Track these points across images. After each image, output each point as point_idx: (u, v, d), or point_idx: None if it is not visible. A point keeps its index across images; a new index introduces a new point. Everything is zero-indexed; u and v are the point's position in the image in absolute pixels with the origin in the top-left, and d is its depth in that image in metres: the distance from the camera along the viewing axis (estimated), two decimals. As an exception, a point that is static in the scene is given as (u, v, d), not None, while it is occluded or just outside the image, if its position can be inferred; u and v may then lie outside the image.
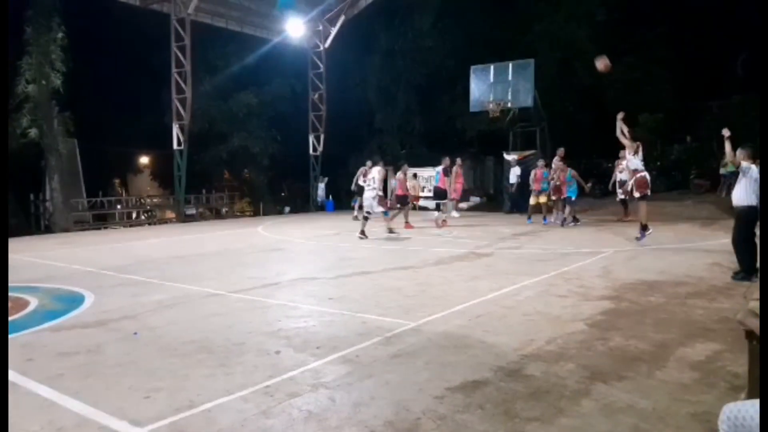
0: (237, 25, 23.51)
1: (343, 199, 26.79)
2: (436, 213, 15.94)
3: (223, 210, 26.19)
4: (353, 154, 27.70)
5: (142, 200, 26.49)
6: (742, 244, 7.00)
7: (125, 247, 13.13)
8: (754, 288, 4.26)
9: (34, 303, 6.81)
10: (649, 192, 10.61)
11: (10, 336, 5.30)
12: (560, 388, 3.76)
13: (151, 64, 22.86)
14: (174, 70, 20.02)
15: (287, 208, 26.51)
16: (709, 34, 24.99)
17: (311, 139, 25.79)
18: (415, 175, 18.71)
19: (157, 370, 4.32)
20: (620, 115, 10.61)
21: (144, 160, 35.19)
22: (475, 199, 22.14)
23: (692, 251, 9.67)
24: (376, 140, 27.43)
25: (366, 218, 12.94)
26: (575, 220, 14.55)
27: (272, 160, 27.15)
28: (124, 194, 29.82)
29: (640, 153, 10.68)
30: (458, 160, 17.75)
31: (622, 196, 14.39)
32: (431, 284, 7.42)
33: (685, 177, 25.07)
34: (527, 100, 18.63)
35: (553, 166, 15.04)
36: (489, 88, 19.33)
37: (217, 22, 22.73)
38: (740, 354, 3.76)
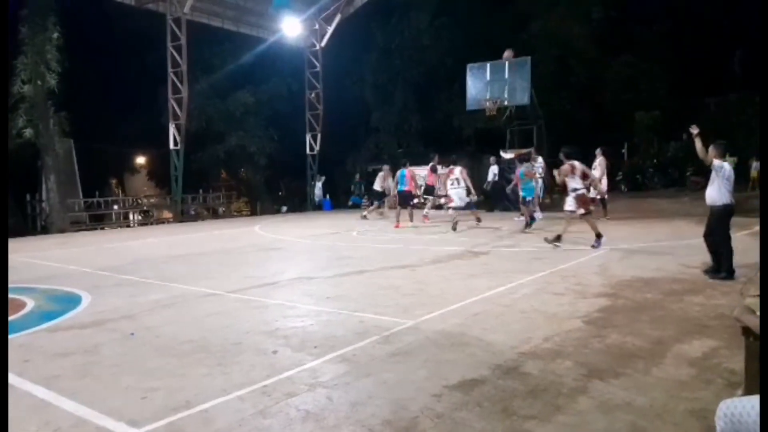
0: (233, 25, 23.49)
1: (341, 197, 26.82)
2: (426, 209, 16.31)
3: (221, 209, 26.17)
4: (350, 153, 27.73)
5: (138, 200, 26.47)
6: (722, 243, 6.98)
7: (122, 247, 13.11)
8: (750, 284, 4.27)
9: (30, 304, 6.79)
10: (592, 208, 10.51)
11: (6, 337, 5.30)
12: (557, 385, 3.76)
13: (147, 63, 22.83)
14: (170, 69, 19.99)
15: (284, 208, 26.51)
16: (706, 32, 25.06)
17: (308, 138, 25.77)
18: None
19: (154, 370, 4.32)
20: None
21: (140, 160, 35.14)
22: (471, 197, 22.13)
23: (688, 248, 9.67)
24: (373, 139, 27.45)
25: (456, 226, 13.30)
26: (528, 225, 13.21)
27: (269, 159, 27.15)
28: (120, 194, 29.81)
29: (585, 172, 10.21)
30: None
31: (598, 196, 14.42)
32: (429, 283, 7.42)
33: (682, 174, 25.14)
34: (524, 98, 18.63)
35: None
36: (485, 86, 19.32)
37: (213, 22, 22.71)
38: (737, 350, 3.76)
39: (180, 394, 3.79)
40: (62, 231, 17.78)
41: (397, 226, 14.69)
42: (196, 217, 22.99)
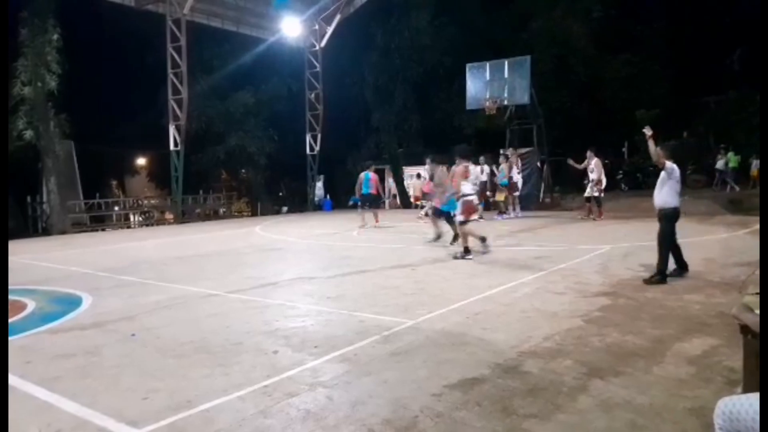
0: (233, 25, 23.51)
1: (341, 198, 26.84)
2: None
3: (221, 210, 26.18)
4: (350, 153, 27.72)
5: (139, 201, 26.49)
6: (663, 245, 6.90)
7: (122, 249, 13.12)
8: (749, 282, 4.28)
9: (31, 305, 6.80)
10: (474, 217, 9.84)
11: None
12: (557, 384, 3.76)
13: (147, 64, 22.84)
14: (170, 70, 20.00)
15: (285, 208, 26.52)
16: (705, 30, 25.03)
17: (308, 138, 25.78)
18: (418, 175, 18.77)
19: (155, 371, 4.33)
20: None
21: (141, 161, 35.19)
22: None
23: (688, 247, 9.63)
24: (373, 139, 27.44)
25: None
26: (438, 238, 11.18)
27: (269, 159, 27.17)
28: (121, 195, 29.84)
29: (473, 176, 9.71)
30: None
31: (595, 194, 14.51)
32: (429, 282, 7.42)
33: (682, 173, 25.10)
34: (524, 97, 18.63)
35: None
36: (485, 85, 19.33)
37: (212, 22, 22.73)
38: (737, 348, 3.76)
39: (181, 395, 3.80)
40: (63, 232, 17.80)
41: (361, 230, 14.69)
42: (197, 218, 23.00)
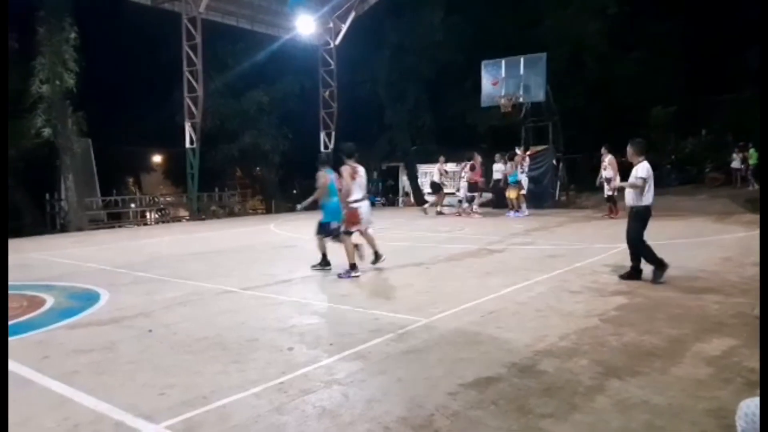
0: (248, 23, 23.56)
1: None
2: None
3: (236, 207, 26.31)
4: (364, 151, 27.66)
5: (155, 199, 26.70)
6: (639, 244, 6.93)
7: (139, 245, 13.23)
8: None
9: (50, 301, 6.88)
10: (358, 227, 8.17)
11: (26, 334, 5.39)
12: (574, 384, 3.74)
13: (163, 62, 22.97)
14: (185, 68, 20.10)
15: (299, 206, 26.56)
16: (721, 27, 24.71)
17: (322, 136, 25.78)
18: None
19: (171, 367, 4.36)
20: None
21: (157, 158, 35.47)
22: (486, 195, 22.06)
23: (706, 246, 9.58)
24: (386, 136, 27.41)
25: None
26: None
27: (283, 157, 27.23)
28: (137, 193, 30.10)
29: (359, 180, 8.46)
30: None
31: (609, 193, 14.39)
32: (443, 280, 7.41)
33: (700, 171, 24.81)
34: (539, 94, 18.49)
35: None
36: (500, 82, 19.22)
37: (227, 20, 22.79)
38: (756, 349, 3.72)
39: (196, 391, 3.83)
40: (80, 229, 17.97)
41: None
42: (212, 215, 23.12)
